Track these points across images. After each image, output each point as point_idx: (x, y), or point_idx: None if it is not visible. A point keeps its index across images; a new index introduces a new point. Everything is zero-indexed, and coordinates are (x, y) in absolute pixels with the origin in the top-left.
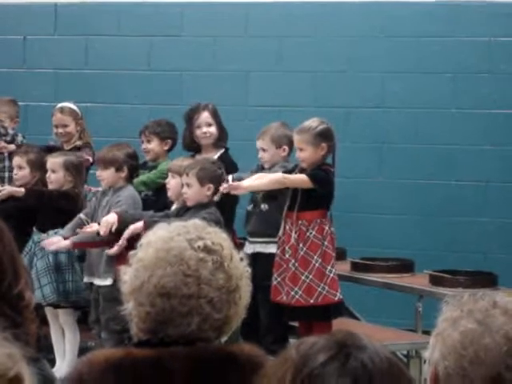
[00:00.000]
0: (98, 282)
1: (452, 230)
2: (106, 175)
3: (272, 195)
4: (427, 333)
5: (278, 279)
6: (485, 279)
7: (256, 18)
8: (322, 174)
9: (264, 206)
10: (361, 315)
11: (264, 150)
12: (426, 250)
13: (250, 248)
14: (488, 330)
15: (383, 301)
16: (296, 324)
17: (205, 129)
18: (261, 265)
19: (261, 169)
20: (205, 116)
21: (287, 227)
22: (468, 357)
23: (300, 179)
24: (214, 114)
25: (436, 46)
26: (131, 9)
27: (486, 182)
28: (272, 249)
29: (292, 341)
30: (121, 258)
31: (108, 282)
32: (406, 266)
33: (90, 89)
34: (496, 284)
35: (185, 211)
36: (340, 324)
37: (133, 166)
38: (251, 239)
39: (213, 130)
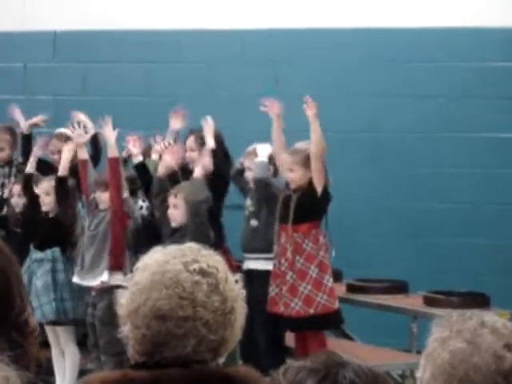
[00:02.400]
0: (86, 282)
1: (445, 252)
2: (105, 197)
3: (259, 209)
4: (422, 353)
5: (276, 290)
6: (477, 300)
7: (251, 44)
8: (327, 187)
9: (253, 222)
10: (356, 336)
11: (250, 169)
12: (419, 271)
13: (244, 265)
14: (477, 349)
15: (378, 322)
16: (293, 346)
17: (188, 153)
18: (256, 286)
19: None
20: (190, 141)
21: (282, 240)
22: (458, 376)
23: (322, 170)
24: (201, 140)
25: (427, 70)
26: (129, 36)
27: (477, 204)
28: (264, 265)
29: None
30: (113, 260)
31: (103, 278)
32: (400, 288)
33: (88, 115)
34: (488, 305)
35: (173, 232)
36: (335, 345)
37: (132, 189)
38: (244, 255)
39: (195, 155)
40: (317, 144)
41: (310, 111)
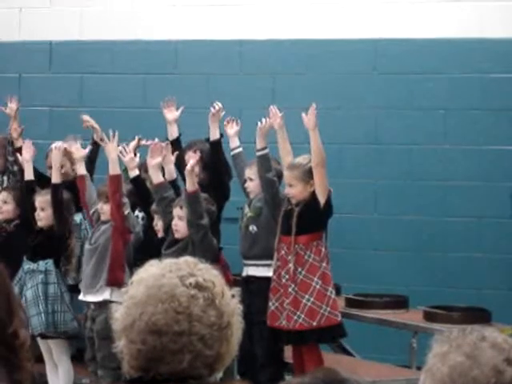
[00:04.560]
0: (91, 298)
1: (446, 266)
2: (106, 208)
3: (257, 215)
4: (422, 369)
5: (276, 304)
6: (478, 315)
7: (250, 55)
8: (330, 197)
9: (252, 228)
10: (355, 351)
11: (251, 179)
12: (419, 286)
13: (243, 271)
14: (476, 363)
15: (378, 337)
16: (291, 361)
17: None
18: (255, 296)
19: (247, 197)
20: (189, 155)
21: (282, 252)
22: None
23: (324, 181)
24: (201, 152)
25: (428, 82)
26: (126, 46)
27: (479, 217)
28: (263, 272)
29: (287, 378)
30: (112, 275)
31: (104, 296)
32: (400, 303)
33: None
34: (489, 320)
35: (173, 242)
36: (334, 360)
37: (134, 202)
38: (244, 261)
39: (196, 170)
40: (317, 154)
41: (310, 122)
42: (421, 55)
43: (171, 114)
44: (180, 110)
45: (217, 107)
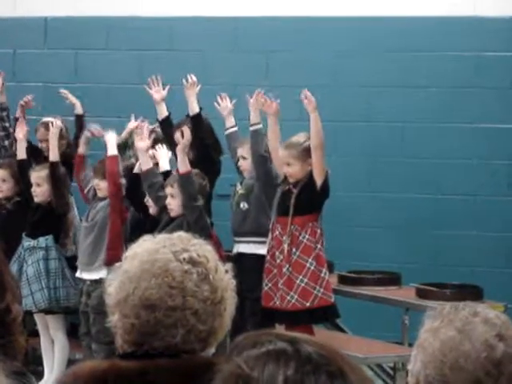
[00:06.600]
0: (87, 276)
1: (439, 244)
2: (103, 185)
3: (249, 192)
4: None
5: (269, 285)
6: (471, 292)
7: (244, 32)
8: (327, 179)
9: (243, 205)
10: (348, 328)
11: (244, 158)
12: (412, 263)
13: (234, 248)
14: (468, 337)
15: (370, 314)
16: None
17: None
18: (248, 273)
19: (241, 176)
20: (178, 135)
21: (276, 232)
22: (448, 363)
23: (322, 163)
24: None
25: (422, 60)
26: (121, 23)
27: (473, 195)
28: (255, 249)
29: None
30: (111, 254)
31: (101, 275)
32: (392, 280)
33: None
34: (482, 297)
35: (169, 222)
36: (326, 337)
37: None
38: (235, 238)
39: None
40: (316, 136)
41: (310, 105)
42: (414, 33)
43: (158, 94)
44: (166, 89)
45: (190, 80)
